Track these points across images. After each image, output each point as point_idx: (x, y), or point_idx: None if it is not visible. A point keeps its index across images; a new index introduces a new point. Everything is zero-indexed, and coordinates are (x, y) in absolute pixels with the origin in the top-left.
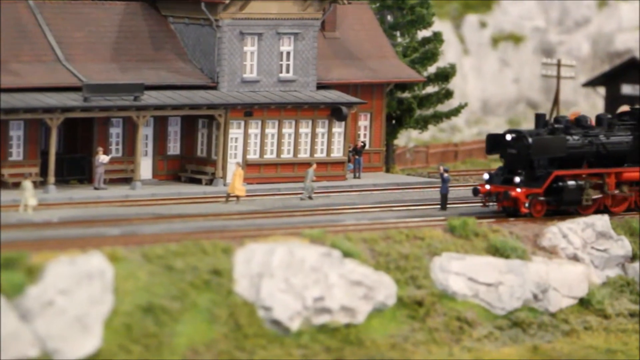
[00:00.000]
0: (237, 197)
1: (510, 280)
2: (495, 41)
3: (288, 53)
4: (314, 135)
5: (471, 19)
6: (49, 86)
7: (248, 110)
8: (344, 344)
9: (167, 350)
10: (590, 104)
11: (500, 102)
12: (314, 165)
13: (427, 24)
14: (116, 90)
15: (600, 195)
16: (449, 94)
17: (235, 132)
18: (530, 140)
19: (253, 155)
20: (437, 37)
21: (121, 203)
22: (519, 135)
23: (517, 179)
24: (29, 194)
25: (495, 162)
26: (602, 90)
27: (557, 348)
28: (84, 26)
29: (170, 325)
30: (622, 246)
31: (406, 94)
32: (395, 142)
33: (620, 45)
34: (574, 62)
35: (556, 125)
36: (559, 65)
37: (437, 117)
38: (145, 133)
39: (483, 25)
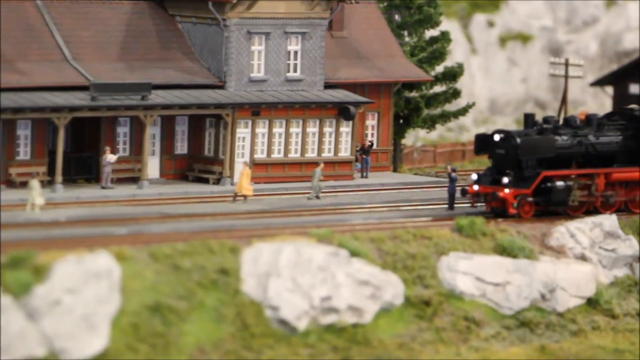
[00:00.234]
0: (245, 196)
1: (517, 280)
2: (503, 40)
3: (295, 52)
4: (321, 134)
5: (479, 19)
6: (57, 85)
7: (255, 110)
8: (351, 343)
9: (174, 350)
10: (598, 104)
11: (508, 102)
12: (322, 165)
13: (435, 24)
14: (124, 89)
15: (587, 198)
16: (456, 94)
17: (242, 131)
18: (518, 140)
19: (260, 155)
20: (444, 37)
21: (128, 202)
22: (507, 135)
23: (505, 180)
24: (36, 193)
25: None
26: (610, 90)
27: (565, 348)
28: (92, 25)
29: (178, 324)
30: (630, 246)
31: (414, 94)
32: (403, 141)
33: (629, 44)
34: (582, 62)
35: (545, 126)
36: (567, 64)
37: (445, 117)
38: (153, 132)
39: (491, 24)
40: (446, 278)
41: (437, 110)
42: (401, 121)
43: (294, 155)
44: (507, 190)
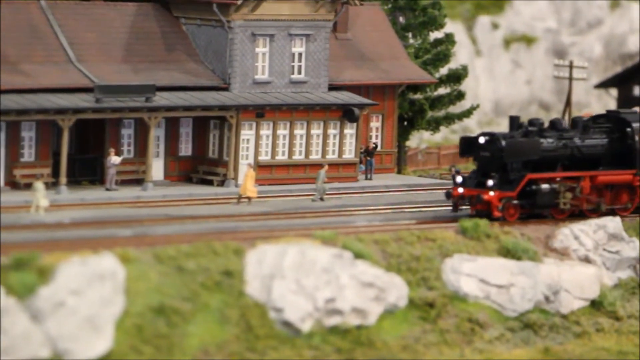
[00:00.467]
0: (249, 198)
1: (521, 282)
2: (508, 42)
3: (300, 54)
4: (325, 136)
5: (483, 20)
6: (61, 87)
7: (260, 112)
8: (355, 345)
9: (178, 351)
10: (602, 106)
11: (512, 104)
12: (326, 167)
13: (439, 26)
14: (128, 91)
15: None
16: (460, 96)
17: (246, 133)
18: (503, 143)
19: (264, 157)
20: (449, 39)
21: (133, 204)
22: (492, 138)
23: (490, 182)
24: (40, 195)
25: None
26: (614, 92)
27: (569, 350)
28: (96, 27)
29: (182, 326)
30: (634, 248)
31: (418, 96)
32: (407, 143)
33: (633, 46)
34: (586, 64)
35: (530, 128)
36: (571, 66)
37: (449, 119)
38: (157, 134)
39: (495, 26)
40: (450, 280)
41: (442, 112)
42: (405, 123)
43: (298, 157)
44: (492, 193)
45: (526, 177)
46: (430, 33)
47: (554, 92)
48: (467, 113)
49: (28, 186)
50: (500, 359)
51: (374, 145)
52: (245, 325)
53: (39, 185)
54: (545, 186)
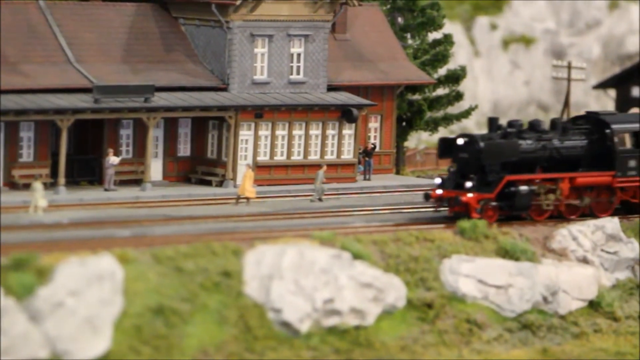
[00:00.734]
0: (248, 198)
1: (520, 283)
2: (506, 43)
3: (298, 55)
4: (324, 137)
5: (482, 21)
6: (60, 87)
7: (258, 112)
8: (354, 345)
9: (176, 352)
10: (601, 106)
11: (510, 105)
12: (324, 167)
13: (438, 26)
14: (127, 91)
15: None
16: (459, 96)
17: (245, 133)
18: (481, 144)
19: (263, 157)
20: (447, 39)
21: (131, 204)
22: (471, 139)
23: (469, 184)
24: (39, 195)
25: None
26: (612, 93)
27: (567, 351)
28: (95, 27)
29: (180, 326)
30: (632, 249)
31: (416, 96)
32: (406, 144)
33: (631, 47)
34: (584, 65)
35: (509, 130)
36: (569, 67)
37: (448, 119)
38: (156, 134)
39: (494, 27)
40: (448, 280)
41: (440, 113)
42: (404, 124)
43: (297, 157)
44: (470, 195)
45: (505, 179)
46: (429, 34)
47: (553, 93)
48: (466, 114)
49: (27, 186)
50: (499, 359)
51: (372, 146)
52: (243, 326)
53: (38, 185)
54: (523, 188)
